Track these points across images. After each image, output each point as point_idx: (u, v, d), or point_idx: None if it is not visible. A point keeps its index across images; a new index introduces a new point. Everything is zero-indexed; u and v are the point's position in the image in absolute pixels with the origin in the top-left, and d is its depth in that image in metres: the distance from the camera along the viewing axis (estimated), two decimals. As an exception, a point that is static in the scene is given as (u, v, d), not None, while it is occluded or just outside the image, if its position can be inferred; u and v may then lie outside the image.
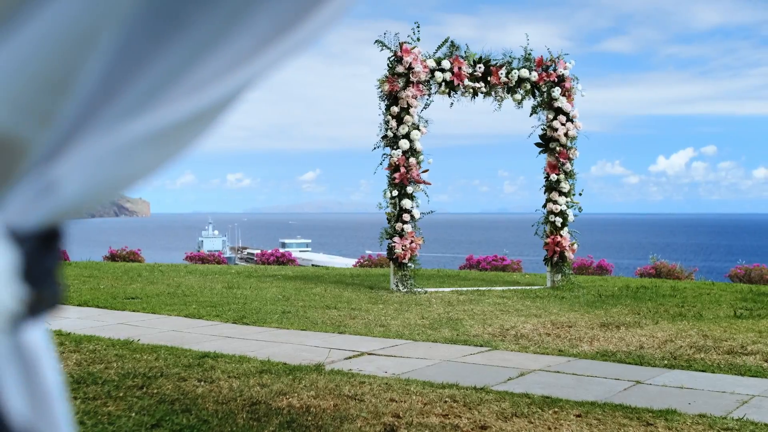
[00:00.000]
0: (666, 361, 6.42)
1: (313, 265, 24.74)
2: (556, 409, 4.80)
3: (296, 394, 5.06)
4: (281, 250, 21.32)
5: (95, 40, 0.42)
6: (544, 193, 12.67)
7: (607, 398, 5.15)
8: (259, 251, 23.66)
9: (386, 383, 5.40)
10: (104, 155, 0.52)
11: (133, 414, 4.50)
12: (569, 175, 12.47)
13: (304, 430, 4.34)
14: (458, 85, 11.63)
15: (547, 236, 12.60)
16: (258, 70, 0.59)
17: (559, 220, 12.46)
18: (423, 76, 11.33)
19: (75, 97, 0.44)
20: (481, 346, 7.08)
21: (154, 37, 0.49)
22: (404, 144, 11.37)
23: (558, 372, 5.98)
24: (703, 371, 6.07)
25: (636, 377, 5.81)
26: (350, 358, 6.45)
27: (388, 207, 11.65)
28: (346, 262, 39.19)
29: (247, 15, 0.54)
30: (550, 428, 4.44)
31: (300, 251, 62.51)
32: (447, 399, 5.01)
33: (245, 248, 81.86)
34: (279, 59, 0.60)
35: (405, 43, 11.35)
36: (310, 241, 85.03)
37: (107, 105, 0.51)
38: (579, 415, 4.68)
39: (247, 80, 0.60)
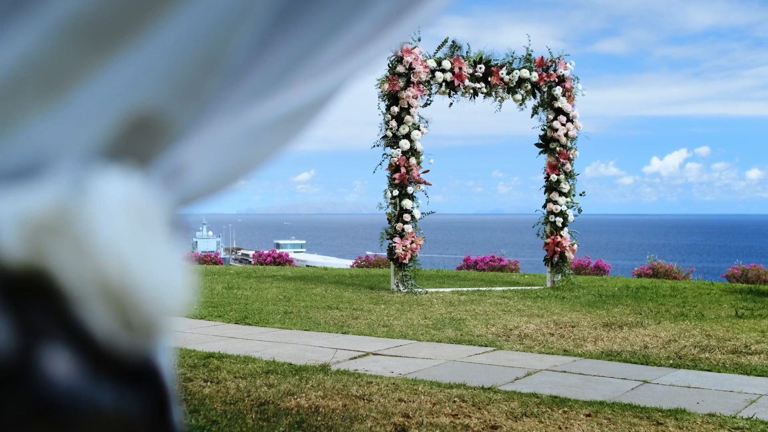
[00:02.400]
0: (671, 361, 6.42)
1: (307, 265, 24.73)
2: (566, 409, 4.79)
3: (304, 395, 5.04)
4: (277, 251, 21.30)
5: (248, 17, 0.41)
6: (544, 193, 12.68)
7: (616, 398, 5.14)
8: (253, 252, 23.62)
9: (393, 383, 5.39)
10: (231, 139, 0.50)
11: (142, 415, 4.47)
12: (569, 175, 12.48)
13: (315, 431, 4.32)
14: (458, 85, 11.62)
15: (547, 236, 12.61)
16: (371, 56, 0.58)
17: (559, 220, 12.47)
18: (423, 76, 11.32)
19: (222, 75, 0.43)
20: (486, 346, 7.07)
21: (285, 20, 0.48)
22: (405, 144, 11.36)
23: (564, 372, 5.97)
24: (709, 371, 6.07)
25: (643, 377, 5.81)
26: (355, 358, 6.43)
27: (388, 207, 11.64)
28: (341, 263, 39.16)
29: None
30: (560, 428, 4.43)
31: (294, 252, 62.48)
32: (455, 399, 4.99)
33: (239, 249, 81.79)
34: (391, 45, 0.58)
35: (405, 42, 11.34)
36: (304, 242, 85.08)
37: (235, 88, 0.49)
38: (589, 415, 4.67)
39: (360, 66, 0.58)
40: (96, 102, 0.34)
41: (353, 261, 20.53)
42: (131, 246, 0.32)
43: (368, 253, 21.25)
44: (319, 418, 4.52)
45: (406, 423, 4.46)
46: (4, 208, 0.31)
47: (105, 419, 0.31)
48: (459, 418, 4.58)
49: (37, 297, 0.30)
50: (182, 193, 0.49)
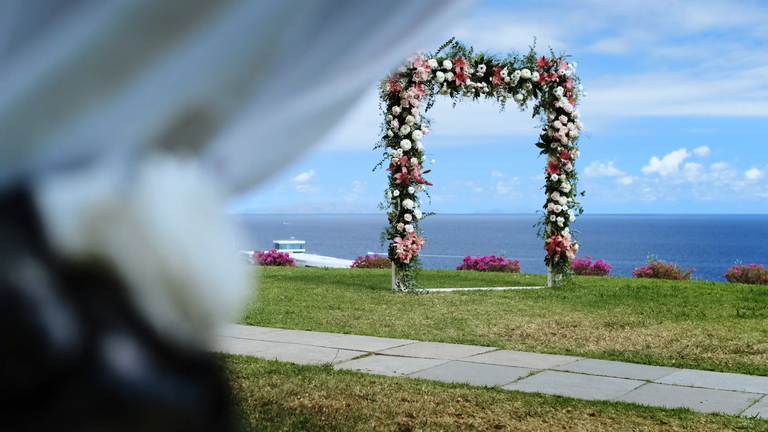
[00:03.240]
0: (674, 361, 6.42)
1: (307, 265, 24.73)
2: (570, 408, 4.79)
3: (307, 394, 5.03)
4: (277, 251, 21.27)
5: (299, 12, 0.41)
6: (545, 193, 12.68)
7: (619, 397, 5.14)
8: (252, 252, 23.58)
9: (397, 383, 5.38)
10: (271, 132, 0.50)
11: (145, 414, 4.46)
12: (570, 175, 12.48)
13: (318, 430, 4.31)
14: (460, 85, 11.62)
15: (548, 236, 12.61)
16: (405, 51, 0.58)
17: (561, 220, 12.47)
18: (425, 76, 11.31)
19: (271, 71, 0.42)
20: (488, 345, 7.07)
21: (327, 15, 0.47)
22: (406, 144, 11.35)
23: (567, 371, 5.97)
24: (711, 370, 6.06)
25: (645, 376, 5.80)
26: (358, 358, 6.43)
27: (389, 207, 11.63)
28: (341, 263, 39.06)
29: None
30: (564, 427, 4.42)
31: (294, 252, 62.30)
32: (459, 398, 4.99)
33: (239, 249, 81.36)
34: (420, 44, 0.58)
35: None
36: (303, 242, 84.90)
37: (278, 81, 0.49)
38: (593, 414, 4.67)
39: (391, 64, 0.58)
40: (152, 93, 0.34)
41: (353, 261, 20.51)
42: (191, 235, 0.32)
43: (369, 253, 21.24)
44: (322, 418, 4.51)
45: (410, 423, 4.45)
46: (63, 198, 0.31)
47: (166, 413, 0.30)
48: (463, 418, 4.57)
49: (98, 287, 0.30)
50: (223, 187, 0.48)
